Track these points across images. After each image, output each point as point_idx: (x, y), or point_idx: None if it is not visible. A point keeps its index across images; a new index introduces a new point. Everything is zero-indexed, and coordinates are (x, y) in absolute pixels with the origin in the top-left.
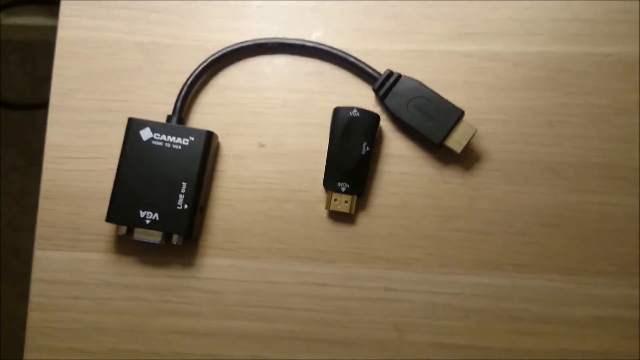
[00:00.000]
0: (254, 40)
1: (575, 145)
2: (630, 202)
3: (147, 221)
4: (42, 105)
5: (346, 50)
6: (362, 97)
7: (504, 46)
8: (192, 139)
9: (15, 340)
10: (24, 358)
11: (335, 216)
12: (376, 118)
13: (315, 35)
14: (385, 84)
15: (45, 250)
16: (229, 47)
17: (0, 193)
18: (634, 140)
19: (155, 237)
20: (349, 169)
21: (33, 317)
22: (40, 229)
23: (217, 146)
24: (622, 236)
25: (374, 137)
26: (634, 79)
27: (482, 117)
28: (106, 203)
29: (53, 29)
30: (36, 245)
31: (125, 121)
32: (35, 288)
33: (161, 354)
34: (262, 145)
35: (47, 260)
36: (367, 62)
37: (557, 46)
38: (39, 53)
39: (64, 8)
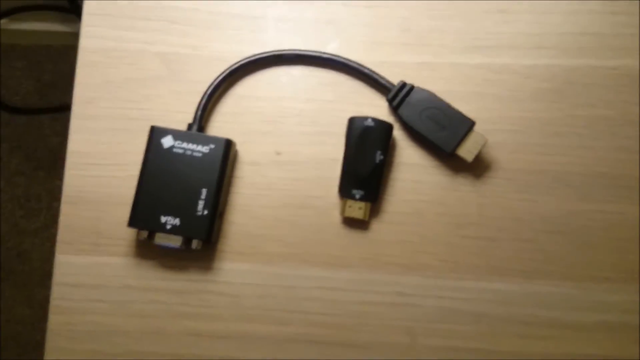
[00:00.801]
0: (272, 51)
1: (582, 155)
2: (634, 211)
3: (168, 226)
4: (47, 110)
5: (360, 62)
6: (376, 107)
7: (513, 59)
8: (212, 146)
9: (19, 343)
10: (45, 359)
11: (350, 222)
12: (390, 127)
13: (331, 47)
14: (398, 95)
15: (66, 255)
16: (247, 57)
17: (5, 197)
18: (639, 151)
19: (175, 241)
20: (364, 177)
21: (54, 320)
22: (62, 234)
23: (235, 153)
24: (627, 244)
25: (388, 145)
26: (639, 92)
27: (492, 128)
28: (127, 208)
29: (58, 35)
30: (57, 250)
31: (146, 129)
32: (56, 291)
33: (180, 356)
34: (278, 153)
35: (68, 264)
36: (381, 73)
37: (564, 59)
38: (44, 58)
39: (86, 18)
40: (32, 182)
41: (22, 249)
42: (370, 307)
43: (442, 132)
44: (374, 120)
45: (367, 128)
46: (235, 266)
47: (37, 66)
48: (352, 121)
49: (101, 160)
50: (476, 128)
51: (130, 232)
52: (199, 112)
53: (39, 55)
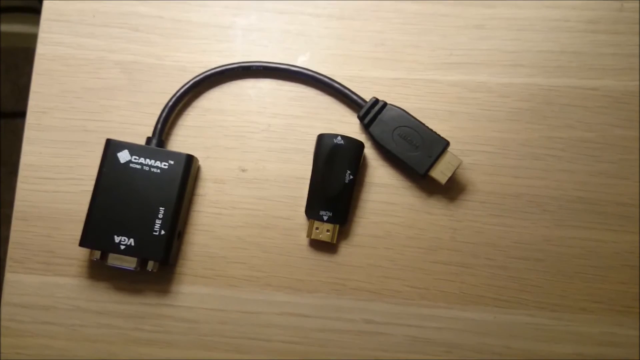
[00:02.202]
0: (239, 62)
1: (559, 179)
2: (613, 238)
3: (122, 246)
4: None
5: (331, 76)
6: (347, 124)
7: (489, 77)
8: (172, 162)
9: None
10: None
11: (317, 245)
12: (360, 146)
13: (301, 60)
14: (370, 112)
15: (16, 273)
16: (213, 69)
17: None
18: (618, 176)
19: (129, 263)
20: (332, 197)
21: (3, 342)
22: (12, 251)
23: (198, 170)
24: (605, 272)
25: (358, 165)
26: (620, 114)
27: (466, 148)
28: (81, 226)
29: (36, 37)
30: (7, 268)
31: (104, 142)
32: (5, 312)
33: None
34: (243, 170)
35: (18, 284)
36: (352, 89)
37: (543, 78)
38: (21, 61)
39: (44, 24)
40: (5, 188)
41: None
42: (336, 335)
43: (415, 152)
44: (344, 137)
45: (337, 146)
46: (194, 289)
47: (14, 69)
48: (321, 138)
49: (55, 174)
50: (450, 148)
51: (84, 252)
52: (159, 126)
53: (16, 58)
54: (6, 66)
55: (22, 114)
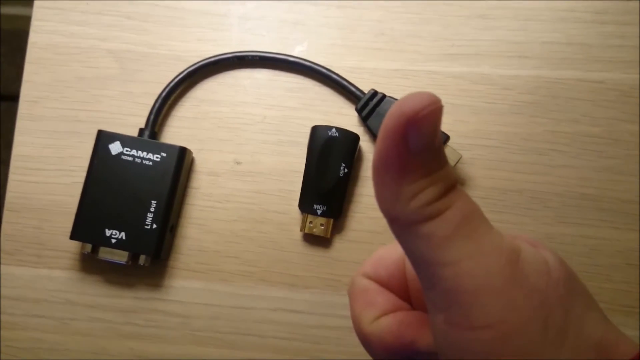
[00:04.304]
0: (234, 52)
1: (563, 174)
2: (617, 236)
3: (113, 240)
4: None
5: (329, 67)
6: (344, 116)
7: (493, 68)
8: (164, 155)
9: None
10: None
11: (311, 240)
12: (355, 138)
13: (298, 50)
14: (368, 104)
15: (8, 266)
16: (207, 58)
17: None
18: (624, 172)
19: (121, 257)
20: (326, 191)
21: None
22: (4, 243)
23: (191, 162)
24: (608, 271)
25: (353, 158)
26: (626, 108)
27: (467, 142)
28: (72, 218)
29: None
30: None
31: (95, 133)
32: None
33: None
34: (238, 163)
35: (9, 276)
36: (351, 80)
37: (548, 70)
38: (26, 44)
39: (37, 12)
40: None
41: None
42: (330, 331)
43: None
44: (339, 130)
45: (331, 138)
46: (186, 284)
47: (19, 52)
48: (315, 130)
49: (46, 165)
50: (450, 142)
51: (75, 244)
52: (152, 117)
53: (21, 41)
54: (11, 49)
55: None
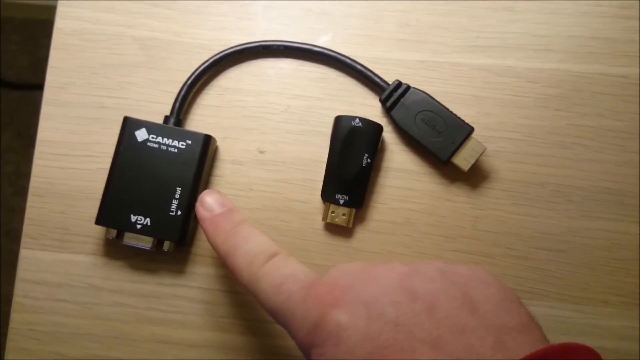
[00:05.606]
0: (259, 41)
1: (586, 168)
2: (639, 231)
3: (138, 226)
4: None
5: (354, 57)
6: (368, 107)
7: (518, 61)
8: (189, 142)
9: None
10: (5, 359)
11: (333, 229)
12: (379, 129)
13: (323, 40)
14: (393, 95)
15: (31, 250)
16: (232, 47)
17: None
18: None
19: (145, 242)
20: (348, 181)
21: (16, 318)
22: (27, 227)
23: (215, 150)
24: (629, 265)
25: (376, 148)
26: None
27: (491, 135)
28: (96, 204)
29: (55, 9)
30: (22, 244)
31: (120, 119)
32: (19, 288)
33: None
34: (261, 152)
35: (33, 260)
36: (375, 70)
37: (573, 64)
38: (40, 32)
39: None
40: (23, 160)
41: (10, 227)
42: None
43: (437, 138)
44: (362, 120)
45: (354, 128)
46: (209, 271)
47: (32, 41)
48: (338, 120)
49: (71, 150)
50: (474, 134)
51: (99, 230)
52: (177, 104)
53: (35, 29)
54: (24, 37)
55: (39, 87)
